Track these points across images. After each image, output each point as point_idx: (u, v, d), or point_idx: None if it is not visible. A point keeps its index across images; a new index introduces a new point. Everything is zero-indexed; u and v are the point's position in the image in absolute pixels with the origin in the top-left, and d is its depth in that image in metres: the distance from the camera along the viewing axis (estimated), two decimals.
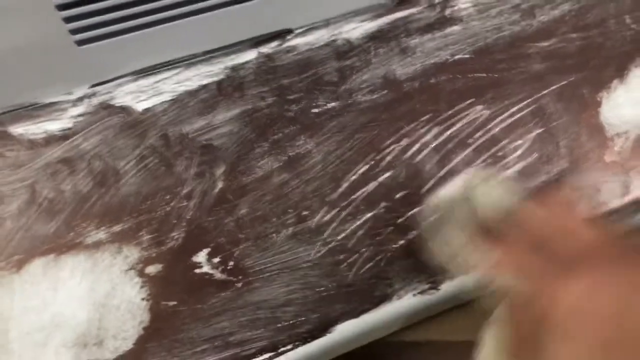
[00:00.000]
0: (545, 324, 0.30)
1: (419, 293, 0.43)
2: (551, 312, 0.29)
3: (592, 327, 0.28)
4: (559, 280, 0.30)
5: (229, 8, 0.40)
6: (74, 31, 0.36)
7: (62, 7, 0.34)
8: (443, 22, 0.47)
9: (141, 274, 0.40)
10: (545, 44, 0.48)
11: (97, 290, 0.39)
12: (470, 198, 0.38)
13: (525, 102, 0.47)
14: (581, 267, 0.30)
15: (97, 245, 0.39)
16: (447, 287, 0.44)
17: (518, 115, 0.47)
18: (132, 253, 0.40)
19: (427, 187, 0.44)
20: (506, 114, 0.46)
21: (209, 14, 0.40)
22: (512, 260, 0.33)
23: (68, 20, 0.35)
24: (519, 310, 0.33)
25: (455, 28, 0.47)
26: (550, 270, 0.31)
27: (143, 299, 0.39)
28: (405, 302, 0.43)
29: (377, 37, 0.45)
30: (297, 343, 0.41)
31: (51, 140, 0.40)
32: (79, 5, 0.35)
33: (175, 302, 0.40)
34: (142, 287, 0.39)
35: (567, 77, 0.48)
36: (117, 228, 0.40)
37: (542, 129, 0.47)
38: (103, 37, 0.37)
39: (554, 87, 0.48)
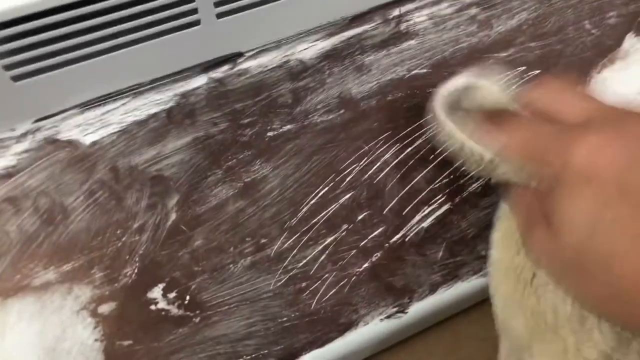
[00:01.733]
0: (555, 190, 0.30)
1: (385, 318, 0.42)
2: (561, 175, 0.30)
3: (603, 178, 0.28)
4: (568, 143, 0.30)
5: (175, 34, 0.39)
6: (8, 67, 0.35)
7: None
8: (398, 37, 0.46)
9: (94, 313, 0.38)
10: (504, 54, 0.47)
11: (46, 334, 0.37)
12: (473, 91, 0.38)
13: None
14: (589, 128, 0.30)
15: (46, 286, 0.38)
16: (415, 310, 0.43)
17: None
18: (84, 292, 0.38)
19: (389, 206, 0.43)
20: None
21: (153, 41, 0.39)
22: (521, 137, 0.33)
23: (1, 56, 0.34)
24: (527, 189, 0.33)
25: (412, 43, 0.46)
26: (558, 137, 0.31)
27: (96, 340, 0.38)
28: (372, 328, 0.42)
29: (330, 56, 0.44)
30: None
31: None
32: (10, 40, 0.33)
33: (130, 342, 0.38)
34: (95, 327, 0.38)
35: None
36: (66, 267, 0.38)
37: None
38: (40, 72, 0.36)
39: None
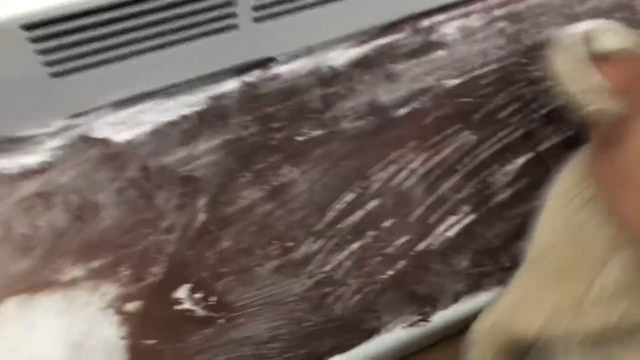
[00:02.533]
0: (630, 120, 0.35)
1: (408, 325, 0.42)
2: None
3: None
4: None
5: (210, 37, 0.39)
6: (49, 63, 0.35)
7: (35, 40, 0.34)
8: (428, 47, 0.46)
9: (120, 311, 0.38)
10: (532, 67, 0.47)
11: (73, 330, 0.37)
12: (588, 39, 0.40)
13: (513, 127, 0.46)
14: None
15: (74, 282, 0.38)
16: (437, 319, 0.42)
17: (507, 140, 0.46)
18: (110, 290, 0.38)
19: (415, 214, 0.43)
20: (494, 139, 0.46)
21: (189, 43, 0.39)
22: (615, 80, 0.38)
23: (42, 52, 0.34)
24: (608, 121, 0.37)
25: (441, 53, 0.46)
26: None
27: (122, 338, 0.38)
28: (395, 335, 0.42)
29: (361, 64, 0.45)
30: None
31: (27, 174, 0.39)
32: (53, 37, 0.34)
33: (155, 341, 0.38)
34: (120, 325, 0.38)
35: (556, 100, 0.47)
36: (94, 264, 0.38)
37: (532, 154, 0.46)
38: (79, 69, 0.37)
39: (542, 111, 0.47)
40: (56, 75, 0.36)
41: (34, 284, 0.37)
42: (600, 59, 0.39)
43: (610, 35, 0.40)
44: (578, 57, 0.39)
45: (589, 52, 0.39)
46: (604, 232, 0.40)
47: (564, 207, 0.41)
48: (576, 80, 0.39)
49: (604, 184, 0.39)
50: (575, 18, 0.49)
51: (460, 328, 0.46)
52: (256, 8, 0.38)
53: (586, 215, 0.40)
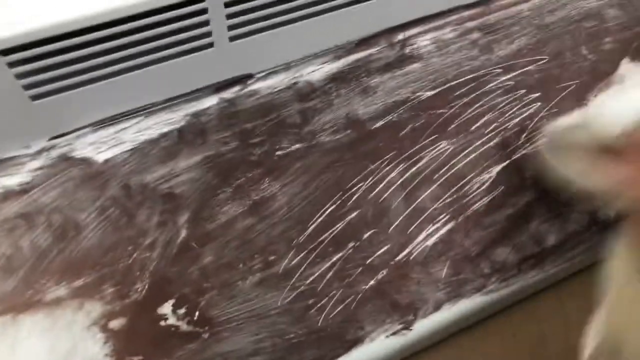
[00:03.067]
0: None
1: (391, 334, 0.42)
2: None
3: None
4: None
5: (187, 56, 0.40)
6: (27, 87, 0.36)
7: (13, 65, 0.34)
8: (403, 60, 0.47)
9: (104, 329, 0.38)
10: (505, 77, 0.48)
11: (57, 349, 0.37)
12: (590, 122, 0.38)
13: (488, 136, 0.47)
14: None
15: (57, 302, 0.38)
16: (419, 327, 0.43)
17: (482, 149, 0.47)
18: (95, 308, 0.38)
19: (394, 225, 0.44)
20: (470, 148, 0.47)
21: (166, 63, 0.39)
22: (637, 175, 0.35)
23: (20, 76, 0.35)
24: None
25: (416, 66, 0.47)
26: None
27: (107, 355, 0.38)
28: (378, 345, 0.42)
29: (338, 78, 0.45)
30: None
31: (9, 195, 0.39)
32: (30, 61, 0.34)
33: (140, 357, 0.38)
34: (105, 342, 0.38)
35: (528, 108, 0.48)
36: (78, 283, 0.39)
37: (507, 162, 0.47)
38: (57, 91, 0.37)
39: (516, 120, 0.48)
40: (35, 97, 0.36)
41: (17, 304, 0.37)
42: (606, 149, 0.36)
43: (606, 122, 0.38)
44: (586, 154, 0.36)
45: (594, 145, 0.37)
46: None
47: (626, 301, 0.38)
48: (592, 179, 0.36)
49: None
50: (545, 28, 0.51)
51: (443, 336, 0.47)
52: (231, 27, 0.39)
53: None
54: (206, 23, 0.38)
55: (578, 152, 0.37)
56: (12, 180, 0.39)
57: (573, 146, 0.38)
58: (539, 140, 0.40)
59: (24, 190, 0.39)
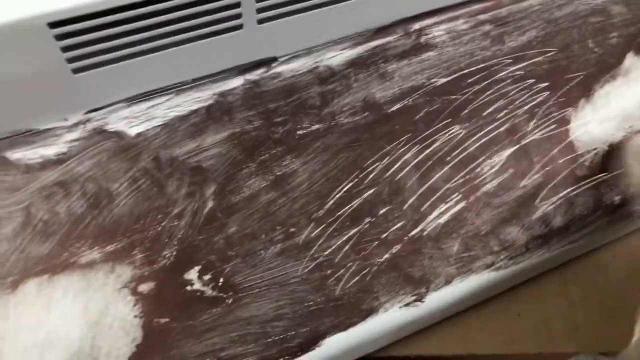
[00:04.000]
0: None
1: (404, 305, 0.44)
2: None
3: None
4: None
5: (216, 37, 0.42)
6: (71, 60, 0.38)
7: (60, 37, 0.36)
8: (419, 48, 0.49)
9: (134, 292, 0.40)
10: (515, 67, 0.51)
11: (90, 309, 0.39)
12: None
13: (499, 121, 0.49)
14: None
15: (91, 265, 0.40)
16: (431, 300, 0.45)
17: (493, 134, 0.49)
18: (125, 272, 0.40)
19: (408, 202, 0.46)
20: (481, 133, 0.48)
21: (198, 43, 0.42)
22: None
23: (65, 49, 0.37)
24: None
25: (431, 54, 0.49)
26: None
27: (136, 317, 0.40)
28: (392, 315, 0.44)
29: (356, 64, 0.47)
30: (286, 357, 0.41)
31: (47, 164, 0.41)
32: (76, 35, 0.36)
33: (167, 319, 0.40)
34: (134, 305, 0.40)
35: (537, 97, 0.50)
36: (110, 248, 0.40)
37: (516, 146, 0.49)
38: (98, 65, 0.39)
39: (525, 107, 0.50)
40: (77, 71, 0.39)
41: (53, 266, 0.39)
42: None
43: None
44: None
45: None
46: None
47: None
48: None
49: None
50: (554, 22, 0.53)
51: (453, 310, 0.48)
52: (260, 10, 0.41)
53: None
54: (237, 5, 0.40)
55: None
56: (50, 150, 0.41)
57: None
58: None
59: (60, 160, 0.41)
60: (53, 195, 0.40)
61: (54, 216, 0.40)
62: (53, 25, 0.35)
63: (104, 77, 0.40)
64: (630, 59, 0.53)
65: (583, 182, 0.49)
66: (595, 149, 0.50)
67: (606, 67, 0.52)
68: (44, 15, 0.34)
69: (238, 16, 0.40)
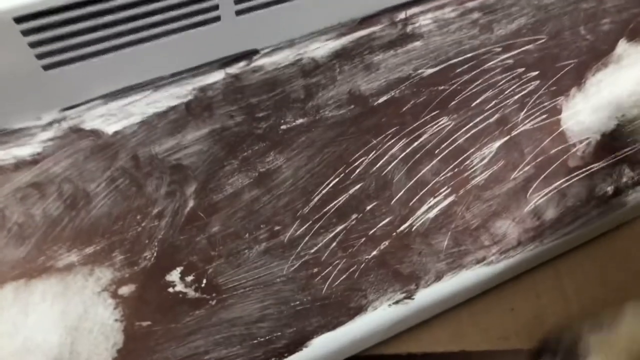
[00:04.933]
0: None
1: (393, 303, 0.43)
2: None
3: None
4: None
5: (194, 30, 0.40)
6: (41, 56, 0.36)
7: (27, 33, 0.35)
8: (405, 38, 0.48)
9: (114, 295, 0.39)
10: (505, 56, 0.49)
11: (69, 313, 0.38)
12: None
13: (488, 112, 0.48)
14: None
15: (69, 268, 0.39)
16: (421, 296, 0.44)
17: (482, 125, 0.47)
18: (105, 274, 0.39)
19: (396, 197, 0.44)
20: (470, 124, 0.47)
21: (175, 36, 0.40)
22: None
23: (34, 45, 0.35)
24: None
25: (417, 44, 0.48)
26: None
27: (116, 320, 0.39)
28: (381, 313, 0.43)
29: (341, 55, 0.46)
30: (273, 359, 0.40)
31: (21, 165, 0.39)
32: (45, 30, 0.35)
33: (149, 322, 0.39)
34: (115, 308, 0.39)
35: (527, 86, 0.49)
36: (89, 250, 0.39)
37: (507, 137, 0.48)
38: (70, 61, 0.38)
39: (515, 97, 0.49)
40: (48, 67, 0.37)
41: (30, 270, 0.38)
42: None
43: None
44: None
45: None
46: None
47: None
48: None
49: None
50: (544, 9, 0.51)
51: (444, 306, 0.47)
52: (238, 1, 0.40)
53: None
54: None
55: None
56: (24, 150, 0.40)
57: None
58: None
59: (35, 160, 0.40)
60: (28, 197, 0.39)
61: (30, 219, 0.39)
62: (19, 20, 0.33)
63: (78, 73, 0.38)
64: (622, 46, 0.52)
65: (575, 173, 0.48)
66: (587, 138, 0.49)
67: (598, 55, 0.51)
68: (9, 10, 0.33)
69: (215, 7, 0.39)
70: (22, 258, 0.38)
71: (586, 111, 0.49)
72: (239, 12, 0.40)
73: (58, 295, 0.38)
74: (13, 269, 0.38)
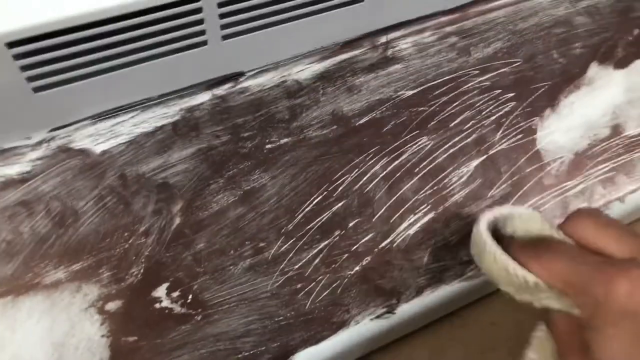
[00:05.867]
0: (593, 322, 0.30)
1: (375, 317, 0.44)
2: (601, 308, 0.29)
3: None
4: (610, 276, 0.29)
5: (182, 53, 0.42)
6: (31, 78, 0.37)
7: (19, 57, 0.36)
8: (385, 62, 0.50)
9: (101, 311, 0.40)
10: (482, 78, 0.51)
11: (55, 330, 0.38)
12: (515, 219, 0.37)
13: (466, 132, 0.50)
14: (633, 263, 0.30)
15: (56, 284, 0.39)
16: (402, 311, 0.45)
17: (460, 145, 0.49)
18: (92, 291, 0.40)
19: (378, 214, 0.46)
20: (449, 144, 0.49)
21: (161, 59, 0.41)
22: (563, 265, 0.32)
23: (25, 68, 0.36)
24: (562, 320, 0.33)
25: (397, 67, 0.50)
26: (601, 269, 0.30)
27: (103, 336, 0.39)
28: (363, 327, 0.44)
29: (324, 77, 0.48)
30: None
31: (9, 183, 0.40)
32: (36, 54, 0.36)
33: (135, 338, 0.40)
34: (101, 324, 0.39)
35: (503, 107, 0.51)
36: (76, 267, 0.40)
37: (484, 157, 0.49)
38: (61, 84, 0.39)
39: (492, 118, 0.51)
40: (38, 89, 0.38)
41: (17, 287, 0.39)
42: (535, 245, 0.34)
43: (530, 218, 0.36)
44: (498, 253, 0.35)
45: (507, 242, 0.35)
46: None
47: None
48: (505, 279, 0.35)
49: None
50: (519, 33, 0.54)
51: (425, 320, 0.48)
52: (223, 26, 0.41)
53: None
54: (200, 22, 0.40)
55: (510, 240, 0.36)
56: (13, 169, 0.41)
57: (507, 233, 0.37)
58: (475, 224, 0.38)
59: (24, 179, 0.41)
60: (16, 215, 0.40)
61: (18, 236, 0.39)
62: (11, 44, 0.34)
63: (67, 95, 0.40)
64: (593, 69, 0.54)
65: (549, 191, 0.50)
66: (561, 157, 0.51)
67: (570, 77, 0.53)
68: (1, 35, 0.34)
69: (202, 33, 0.40)
70: (9, 275, 0.39)
71: (560, 131, 0.51)
72: (225, 37, 0.42)
73: (45, 312, 0.38)
74: (0, 286, 0.38)
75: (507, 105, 0.51)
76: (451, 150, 0.49)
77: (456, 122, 0.49)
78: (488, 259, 0.36)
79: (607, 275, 0.30)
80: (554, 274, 0.32)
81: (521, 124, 0.51)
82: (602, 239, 0.33)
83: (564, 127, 0.51)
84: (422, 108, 0.49)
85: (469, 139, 0.49)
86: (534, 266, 0.33)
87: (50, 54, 0.36)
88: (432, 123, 0.49)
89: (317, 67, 0.48)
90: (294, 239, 0.44)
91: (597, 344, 0.30)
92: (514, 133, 0.50)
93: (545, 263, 0.33)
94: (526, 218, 0.37)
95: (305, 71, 0.47)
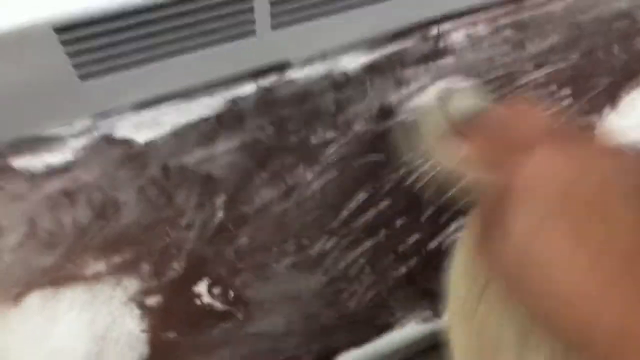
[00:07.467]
0: (504, 200, 0.31)
1: (421, 321, 0.43)
2: (509, 186, 0.31)
3: (547, 190, 0.30)
4: (519, 155, 0.31)
5: (228, 43, 0.41)
6: (78, 66, 0.36)
7: (67, 43, 0.35)
8: (437, 54, 0.48)
9: (141, 305, 0.39)
10: (537, 74, 0.49)
11: (96, 322, 0.38)
12: (444, 105, 0.39)
13: None
14: (539, 145, 0.32)
15: (97, 277, 0.39)
16: None
17: None
18: (132, 284, 0.39)
19: (425, 214, 0.44)
20: None
21: (209, 49, 0.40)
22: (481, 144, 0.35)
23: (72, 55, 0.36)
24: (485, 199, 0.34)
25: (449, 59, 0.48)
26: (513, 148, 0.32)
27: (142, 331, 0.39)
28: (408, 331, 0.42)
29: (372, 69, 0.46)
30: None
31: (52, 172, 0.40)
32: (83, 40, 0.35)
33: (175, 334, 0.39)
34: (141, 318, 0.39)
35: (559, 105, 0.49)
36: (116, 260, 0.39)
37: None
38: (106, 72, 0.38)
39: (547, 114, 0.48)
40: (84, 77, 0.37)
41: (58, 278, 0.38)
42: (462, 124, 0.36)
43: (464, 97, 0.37)
44: (437, 125, 0.36)
45: (447, 118, 0.37)
46: (510, 327, 0.33)
47: (461, 304, 0.36)
48: (438, 150, 0.36)
49: (499, 272, 0.33)
50: (577, 27, 0.51)
51: None
52: (274, 15, 0.40)
53: (485, 309, 0.35)
54: (250, 10, 0.39)
55: (432, 129, 0.38)
56: (55, 157, 0.40)
57: (429, 124, 0.38)
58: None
59: (66, 168, 0.40)
60: (58, 204, 0.39)
61: (59, 227, 0.39)
62: (59, 30, 0.33)
63: (113, 83, 0.39)
64: None
65: None
66: None
67: (632, 74, 0.51)
68: (49, 20, 0.33)
69: (251, 22, 0.39)
70: (50, 266, 0.38)
71: (620, 130, 0.49)
72: (274, 27, 0.40)
73: (86, 304, 0.38)
74: (41, 276, 0.38)
75: (563, 102, 0.49)
76: None
77: None
78: (427, 127, 0.38)
79: (516, 155, 0.31)
80: (476, 147, 0.35)
81: (578, 122, 0.49)
82: (518, 121, 0.35)
83: (625, 126, 0.49)
84: None
85: None
86: (457, 145, 0.36)
87: (99, 40, 0.35)
88: None
89: (366, 59, 0.46)
90: (338, 237, 0.42)
91: (508, 220, 0.31)
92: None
93: (471, 137, 0.35)
94: (467, 94, 0.38)
95: (353, 62, 0.46)
